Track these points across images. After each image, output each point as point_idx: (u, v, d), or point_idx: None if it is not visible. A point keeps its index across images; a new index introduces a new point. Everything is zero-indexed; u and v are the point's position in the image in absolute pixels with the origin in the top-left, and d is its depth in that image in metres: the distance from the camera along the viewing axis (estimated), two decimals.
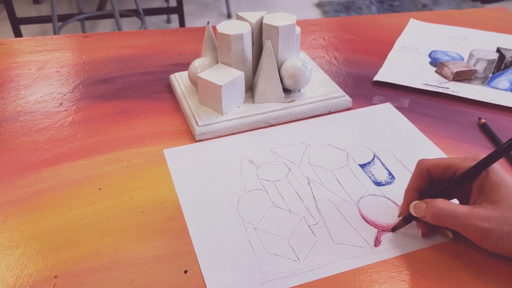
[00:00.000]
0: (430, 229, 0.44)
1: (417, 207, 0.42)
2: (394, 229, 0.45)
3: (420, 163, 0.44)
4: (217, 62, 0.63)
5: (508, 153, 0.40)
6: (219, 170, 0.53)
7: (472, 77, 0.70)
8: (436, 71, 0.72)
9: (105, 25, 2.59)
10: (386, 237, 0.44)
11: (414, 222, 0.45)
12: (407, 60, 0.75)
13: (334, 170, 0.53)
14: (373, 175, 0.52)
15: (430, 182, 0.44)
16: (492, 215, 0.38)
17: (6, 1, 1.97)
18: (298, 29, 0.62)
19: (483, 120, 0.60)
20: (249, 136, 0.58)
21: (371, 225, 0.46)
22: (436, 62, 0.74)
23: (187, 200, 0.49)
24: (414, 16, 0.91)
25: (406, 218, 0.44)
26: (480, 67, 0.71)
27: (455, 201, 0.44)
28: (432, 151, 0.55)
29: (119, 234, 0.45)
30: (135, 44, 0.80)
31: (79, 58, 0.76)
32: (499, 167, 0.41)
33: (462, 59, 0.75)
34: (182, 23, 2.26)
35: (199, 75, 0.58)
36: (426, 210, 0.41)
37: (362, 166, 0.53)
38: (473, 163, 0.41)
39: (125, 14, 2.17)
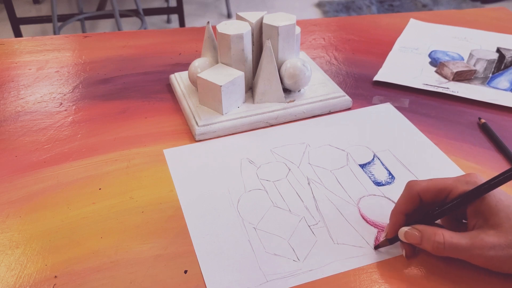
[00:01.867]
0: (415, 249, 0.42)
1: (410, 236, 0.40)
2: (377, 247, 0.43)
3: (411, 187, 0.42)
4: (217, 62, 0.63)
5: (508, 181, 0.38)
6: (219, 170, 0.53)
7: (472, 77, 0.70)
8: (436, 71, 0.72)
9: (105, 25, 2.59)
10: None
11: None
12: (407, 60, 0.75)
13: (334, 170, 0.53)
14: (373, 175, 0.52)
15: (420, 205, 0.42)
16: (495, 241, 0.37)
17: (6, 1, 1.97)
18: (298, 29, 0.62)
19: (483, 120, 0.60)
20: (249, 136, 0.58)
21: (371, 225, 0.46)
22: (436, 62, 0.74)
23: (187, 200, 0.49)
24: (414, 16, 0.91)
25: (392, 239, 0.42)
26: (480, 67, 0.71)
27: None
28: (432, 151, 0.55)
29: (119, 234, 0.45)
30: (135, 44, 0.80)
31: (79, 58, 0.76)
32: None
33: (462, 59, 0.75)
34: (182, 23, 2.26)
35: (199, 75, 0.58)
36: (423, 240, 0.40)
37: (362, 166, 0.53)
38: (466, 186, 0.40)
39: (125, 14, 2.17)
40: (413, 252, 0.42)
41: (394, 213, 0.43)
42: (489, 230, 0.38)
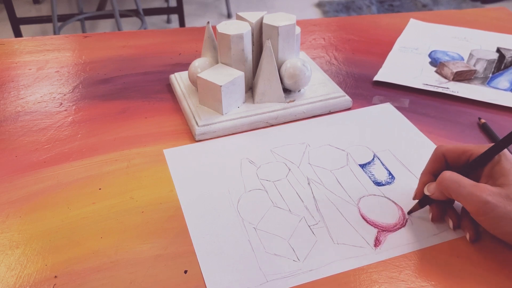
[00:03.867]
0: (441, 214, 0.45)
1: (431, 187, 0.44)
2: (409, 212, 0.46)
3: (437, 148, 0.46)
4: (217, 62, 0.63)
5: None
6: (219, 170, 0.53)
7: (472, 77, 0.70)
8: (436, 71, 0.72)
9: (105, 25, 2.59)
10: (386, 237, 0.44)
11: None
12: (407, 60, 0.75)
13: (334, 170, 0.53)
14: (373, 175, 0.52)
15: (446, 166, 0.45)
16: (497, 191, 0.39)
17: (6, 1, 1.97)
18: (298, 29, 0.62)
19: (483, 120, 0.60)
20: (249, 136, 0.58)
21: (371, 225, 0.46)
22: (436, 62, 0.74)
23: (187, 200, 0.49)
24: (414, 16, 0.91)
25: (421, 202, 0.45)
26: (480, 67, 0.71)
27: None
28: (432, 151, 0.55)
29: (119, 234, 0.45)
30: (135, 44, 0.80)
31: (79, 58, 0.76)
32: (511, 156, 0.42)
33: (462, 59, 0.75)
34: (182, 23, 2.26)
35: (199, 75, 0.58)
36: (437, 183, 0.42)
37: (362, 166, 0.53)
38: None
39: (125, 14, 2.17)
40: (440, 216, 0.45)
41: (422, 173, 0.46)
42: (495, 186, 0.40)
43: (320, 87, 0.65)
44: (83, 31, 2.34)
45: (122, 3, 2.65)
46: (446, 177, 0.42)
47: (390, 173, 0.52)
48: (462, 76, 0.69)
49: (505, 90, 0.67)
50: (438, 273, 0.41)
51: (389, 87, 0.68)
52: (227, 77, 0.57)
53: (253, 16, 0.61)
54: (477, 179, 0.43)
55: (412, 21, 0.89)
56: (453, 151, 0.45)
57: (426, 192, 0.44)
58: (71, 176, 0.52)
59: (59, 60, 0.76)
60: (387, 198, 0.49)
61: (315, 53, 0.78)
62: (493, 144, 0.42)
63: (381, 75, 0.70)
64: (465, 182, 0.40)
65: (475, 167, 0.43)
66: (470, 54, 0.74)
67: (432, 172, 0.45)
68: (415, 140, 0.57)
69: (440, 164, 0.45)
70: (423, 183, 0.45)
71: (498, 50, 0.75)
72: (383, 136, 0.58)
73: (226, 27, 0.58)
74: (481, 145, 0.43)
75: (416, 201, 0.46)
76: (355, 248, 0.43)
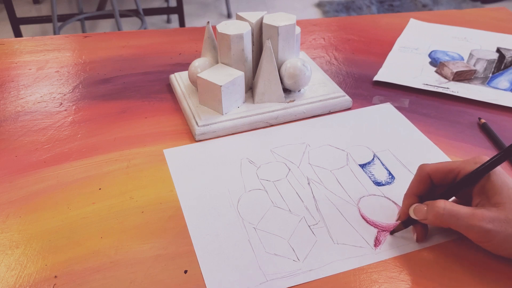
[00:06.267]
0: (425, 234, 0.43)
1: (418, 210, 0.42)
2: (392, 232, 0.45)
3: (421, 168, 0.44)
4: (217, 62, 0.63)
5: (511, 157, 0.40)
6: (219, 170, 0.53)
7: (472, 77, 0.70)
8: (436, 71, 0.72)
9: (105, 25, 2.59)
10: (386, 237, 0.44)
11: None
12: (407, 60, 0.75)
13: (334, 170, 0.53)
14: (373, 175, 0.52)
15: (431, 186, 0.43)
16: (495, 216, 0.38)
17: (6, 1, 1.97)
18: (298, 29, 0.62)
19: (483, 120, 0.60)
20: (249, 136, 0.58)
21: (371, 225, 0.46)
22: (436, 62, 0.74)
23: (187, 200, 0.49)
24: (414, 16, 0.91)
25: (405, 222, 0.44)
26: (480, 67, 0.71)
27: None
28: (432, 151, 0.55)
29: (119, 234, 0.45)
30: (135, 44, 0.80)
31: (79, 58, 0.76)
32: (500, 170, 0.41)
33: (462, 59, 0.75)
34: (182, 23, 2.26)
35: (199, 75, 0.58)
36: (427, 212, 0.41)
37: (362, 166, 0.53)
38: (474, 166, 0.41)
39: (125, 14, 2.17)
40: (424, 236, 0.43)
41: (406, 195, 0.44)
42: (491, 207, 0.39)
43: (320, 87, 0.65)
44: (83, 31, 2.34)
45: (122, 3, 2.65)
46: (441, 209, 0.40)
47: (390, 173, 0.52)
48: (462, 76, 0.69)
49: (505, 90, 0.67)
50: (438, 273, 0.41)
51: (389, 87, 0.68)
52: (227, 77, 0.57)
53: (253, 16, 0.61)
54: (468, 196, 0.42)
55: (412, 21, 0.89)
56: (438, 171, 0.42)
57: (413, 216, 0.42)
58: (71, 176, 0.52)
59: (59, 60, 0.76)
60: (387, 198, 0.49)
61: (315, 53, 0.78)
62: (479, 163, 0.41)
63: (381, 75, 0.70)
64: (462, 213, 0.39)
65: (463, 187, 0.41)
66: (470, 54, 0.74)
67: (417, 193, 0.43)
68: (415, 140, 0.57)
69: (425, 184, 0.43)
70: (407, 206, 0.43)
71: (498, 50, 0.75)
72: (383, 136, 0.58)
73: (226, 27, 0.58)
74: (467, 161, 0.42)
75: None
76: (355, 248, 0.43)
